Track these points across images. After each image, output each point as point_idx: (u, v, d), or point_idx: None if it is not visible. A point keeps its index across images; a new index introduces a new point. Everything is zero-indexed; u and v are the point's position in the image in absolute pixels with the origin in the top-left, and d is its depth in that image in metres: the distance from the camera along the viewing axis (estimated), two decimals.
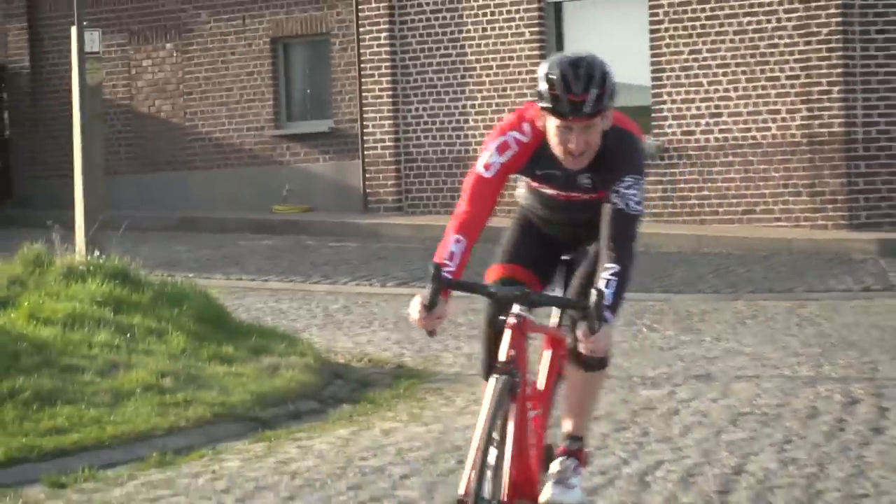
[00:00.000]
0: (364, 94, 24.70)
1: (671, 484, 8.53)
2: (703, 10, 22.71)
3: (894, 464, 9.23)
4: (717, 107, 22.54)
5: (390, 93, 24.50)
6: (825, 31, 20.98)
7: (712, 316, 15.71)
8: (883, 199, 20.85)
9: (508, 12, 23.65)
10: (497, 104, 23.93)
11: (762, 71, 22.09)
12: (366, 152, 24.62)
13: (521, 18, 23.52)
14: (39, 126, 26.82)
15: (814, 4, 21.04)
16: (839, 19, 20.94)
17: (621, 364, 12.60)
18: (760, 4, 22.28)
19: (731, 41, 22.37)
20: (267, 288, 18.08)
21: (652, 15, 22.73)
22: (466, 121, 24.49)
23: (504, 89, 24.11)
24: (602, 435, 9.55)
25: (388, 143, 24.63)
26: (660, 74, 22.94)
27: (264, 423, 10.18)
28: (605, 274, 4.68)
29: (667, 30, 22.90)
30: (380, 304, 16.59)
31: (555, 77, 4.48)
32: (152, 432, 9.78)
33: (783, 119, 21.81)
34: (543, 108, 4.56)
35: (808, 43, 21.33)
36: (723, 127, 22.20)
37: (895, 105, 21.25)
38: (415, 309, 4.45)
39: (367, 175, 24.71)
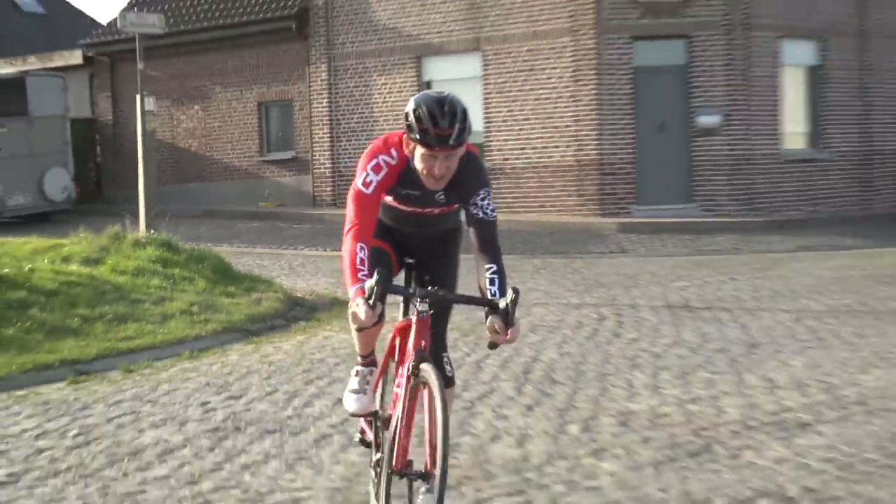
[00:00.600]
0: (313, 135, 32.42)
1: (495, 368, 11.01)
2: (513, 86, 28.28)
3: (621, 355, 11.74)
4: (523, 142, 28.45)
5: (329, 135, 31.98)
6: (587, 98, 26.81)
7: (520, 267, 18.70)
8: (620, 199, 26.91)
9: (399, 90, 30.06)
10: None
11: (550, 121, 27.62)
12: (314, 170, 32.59)
13: (406, 91, 29.08)
14: (118, 156, 33.63)
15: (581, 82, 26.85)
16: (595, 91, 26.62)
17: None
18: (549, 79, 27.64)
19: (531, 104, 27.92)
20: (255, 252, 22.57)
21: (485, 88, 28.81)
22: None
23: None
24: (454, 339, 11.37)
25: (327, 165, 32.22)
26: (489, 123, 28.77)
27: (253, 332, 13.11)
28: (488, 274, 5.43)
29: (493, 96, 28.86)
30: (323, 262, 20.59)
31: (423, 113, 5.21)
32: (185, 339, 12.51)
33: (563, 149, 27.63)
34: (413, 139, 5.32)
35: (577, 104, 26.94)
36: (527, 155, 28.27)
37: (624, 141, 26.70)
38: (361, 311, 5.05)
39: (315, 184, 32.47)
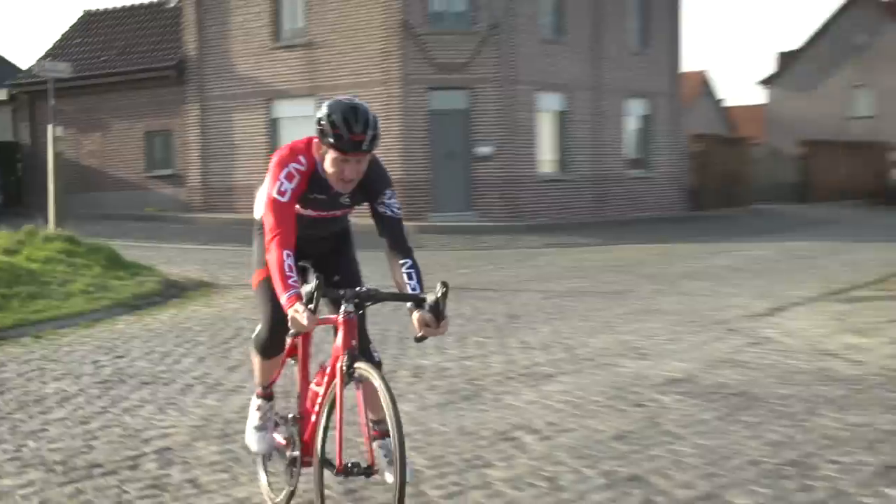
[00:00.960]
0: (187, 157, 32.50)
1: (316, 338, 9.73)
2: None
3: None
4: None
5: (199, 157, 32.11)
6: (395, 132, 27.24)
7: None
8: (419, 208, 26.90)
9: (253, 125, 30.81)
10: (250, 165, 30.23)
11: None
12: (188, 184, 32.59)
13: (259, 125, 30.48)
14: (35, 171, 31.16)
15: (391, 120, 26.89)
16: (401, 127, 27.57)
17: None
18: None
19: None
20: (141, 246, 21.55)
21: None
22: (236, 171, 31.03)
23: (251, 158, 30.20)
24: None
25: (198, 179, 32.30)
26: None
27: (137, 307, 12.67)
28: (404, 269, 4.56)
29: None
30: (194, 253, 20.78)
31: (337, 119, 4.31)
32: (83, 312, 12.01)
33: None
34: (326, 143, 4.37)
35: (387, 136, 22.73)
36: None
37: (422, 164, 27.60)
38: (303, 316, 4.13)
39: (188, 194, 32.42)
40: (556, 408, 7.40)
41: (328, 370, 4.69)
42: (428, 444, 6.42)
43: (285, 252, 4.41)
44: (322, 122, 4.41)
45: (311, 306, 4.24)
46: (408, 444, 5.87)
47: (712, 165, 36.01)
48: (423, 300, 4.37)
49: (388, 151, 27.66)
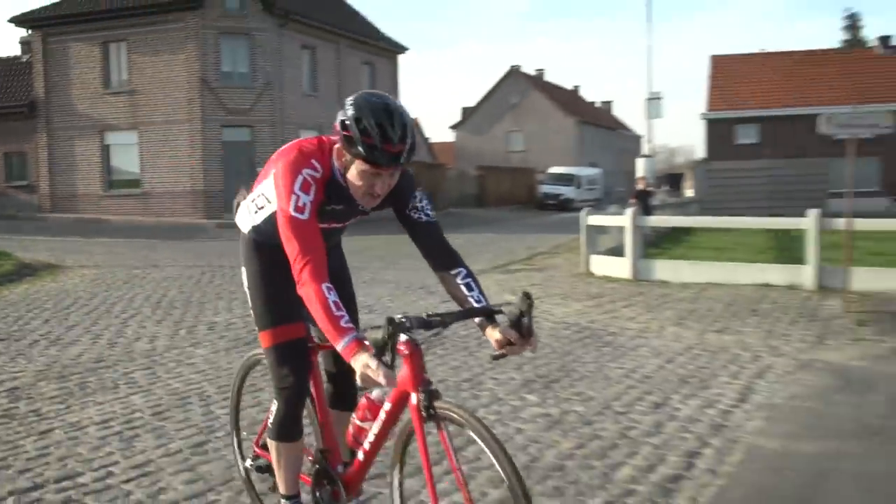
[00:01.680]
0: (39, 173, 29.83)
1: (140, 299, 10.85)
2: (158, 149, 27.39)
3: (213, 293, 11.28)
4: (164, 177, 27.33)
5: (48, 172, 29.61)
6: (198, 156, 26.63)
7: (160, 246, 18.28)
8: (216, 209, 25.97)
9: (91, 150, 28.42)
10: (88, 178, 28.62)
11: (179, 168, 26.91)
12: (39, 192, 29.83)
13: (95, 150, 28.27)
14: None
15: (195, 149, 26.60)
16: (202, 153, 26.59)
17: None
18: (178, 147, 26.96)
19: (167, 157, 27.18)
20: (2, 237, 18.16)
21: (140, 150, 27.81)
22: (77, 182, 28.86)
23: (88, 173, 28.64)
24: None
25: (47, 190, 29.57)
26: (144, 166, 27.78)
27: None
28: (460, 280, 2.76)
29: (145, 155, 27.60)
30: (44, 243, 18.33)
31: (370, 125, 2.52)
32: None
33: (185, 183, 26.96)
34: (355, 154, 2.56)
35: (192, 160, 26.76)
36: (166, 184, 27.26)
37: (218, 180, 26.67)
38: (378, 373, 2.32)
39: (40, 200, 29.69)
40: None
41: (385, 405, 2.75)
42: (217, 377, 6.17)
43: (325, 286, 2.52)
44: (349, 127, 2.55)
45: (387, 358, 2.40)
46: (201, 378, 6.08)
47: (420, 183, 36.54)
48: (499, 313, 2.67)
49: (193, 170, 27.29)
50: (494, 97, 58.43)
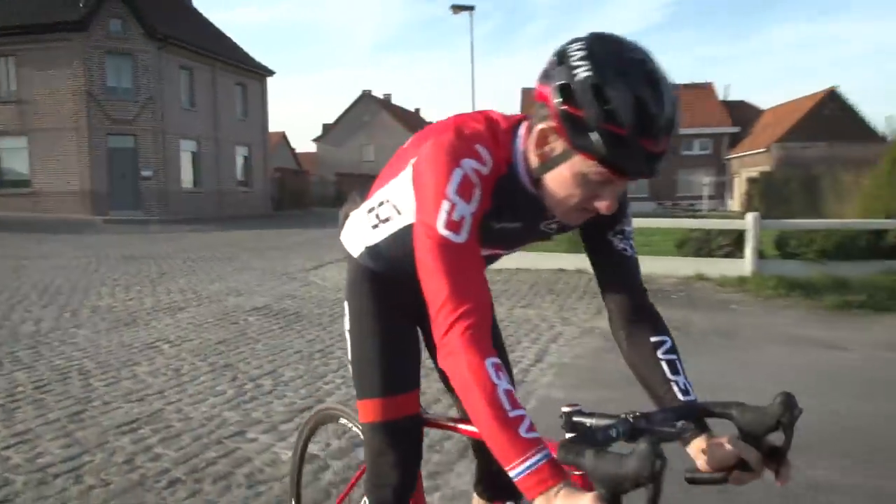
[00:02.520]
0: None
1: (27, 287, 13.11)
2: (50, 153, 24.93)
3: (99, 280, 11.01)
4: (55, 178, 25.02)
5: None
6: (86, 161, 24.54)
7: (47, 239, 17.08)
8: (105, 207, 24.45)
9: (67, 151, 27.91)
10: None
11: (70, 169, 24.72)
12: None
13: None
14: None
15: (82, 154, 24.69)
16: (89, 159, 24.83)
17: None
18: (66, 151, 24.71)
19: (55, 162, 24.79)
20: None
21: (30, 154, 25.39)
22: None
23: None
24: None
25: None
26: (34, 169, 25.27)
27: None
28: (663, 353, 1.32)
29: (35, 159, 24.96)
30: None
31: (624, 105, 1.02)
32: None
33: (73, 184, 24.86)
34: (584, 150, 1.09)
35: (81, 165, 24.74)
36: (55, 185, 24.96)
37: (103, 180, 24.86)
38: None
39: None
40: (183, 327, 6.89)
41: None
42: (96, 353, 5.78)
43: (490, 362, 1.09)
44: (579, 98, 1.06)
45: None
46: (82, 355, 5.62)
47: (287, 186, 36.41)
48: (726, 417, 1.17)
49: (81, 173, 25.35)
50: (350, 115, 57.85)
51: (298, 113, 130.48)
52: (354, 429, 1.95)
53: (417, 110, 69.24)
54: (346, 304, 1.68)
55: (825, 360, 5.93)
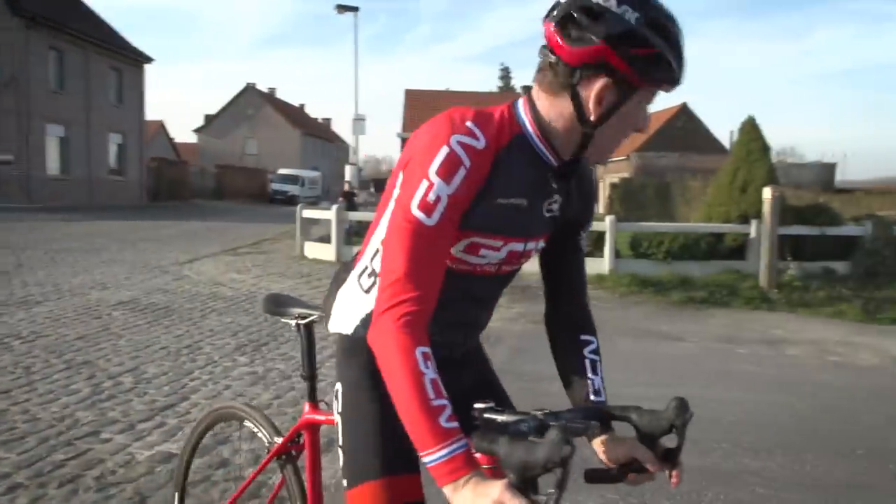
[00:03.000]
0: None
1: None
2: None
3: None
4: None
5: None
6: None
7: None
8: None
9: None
10: None
11: None
12: None
13: None
14: None
15: None
16: None
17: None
18: None
19: None
20: None
21: None
22: None
23: None
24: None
25: None
26: None
27: None
28: (588, 352, 1.38)
29: None
30: None
31: (673, 32, 1.13)
32: None
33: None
34: (656, 82, 1.14)
35: None
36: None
37: None
38: None
39: None
40: (39, 322, 6.35)
41: None
42: None
43: (420, 351, 1.07)
44: (642, 36, 1.11)
45: (548, 499, 0.94)
46: None
47: (164, 176, 34.66)
48: (624, 419, 1.21)
49: None
50: (233, 108, 55.74)
51: (179, 102, 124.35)
52: (259, 433, 1.86)
53: (302, 106, 67.81)
54: (338, 385, 1.41)
55: (666, 350, 6.37)
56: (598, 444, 1.27)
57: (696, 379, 5.35)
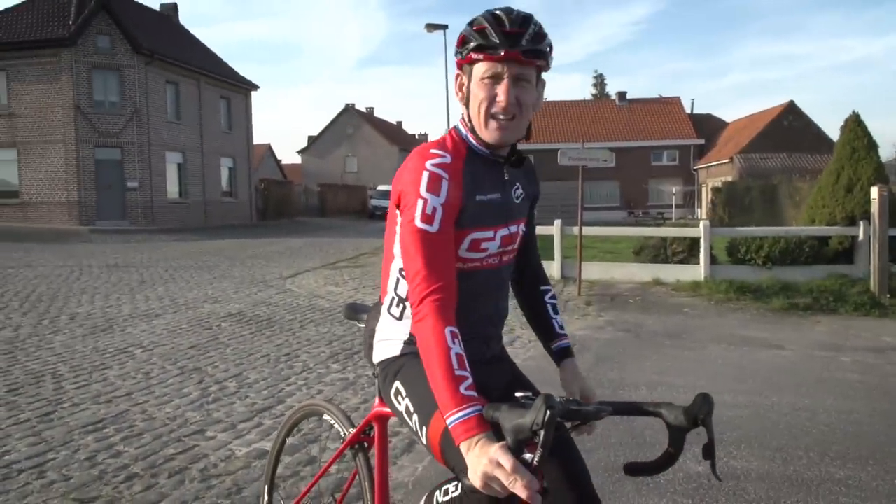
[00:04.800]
0: None
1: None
2: (39, 163, 24.53)
3: (79, 288, 11.27)
4: (43, 188, 24.54)
5: None
6: (73, 171, 24.41)
7: (36, 249, 18.23)
8: (88, 218, 24.30)
9: (55, 163, 27.71)
10: None
11: (54, 181, 24.29)
12: None
13: None
14: None
15: (69, 165, 24.18)
16: (75, 169, 24.40)
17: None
18: (53, 162, 24.22)
19: (43, 174, 24.33)
20: None
21: (20, 162, 24.74)
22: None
23: None
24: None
25: None
26: (22, 179, 25.04)
27: None
28: (549, 299, 1.76)
29: (24, 168, 24.43)
30: None
31: (482, 17, 1.49)
32: None
33: (60, 194, 24.60)
34: (467, 53, 1.48)
35: (68, 175, 24.50)
36: (41, 194, 24.63)
37: (90, 192, 24.37)
38: (515, 480, 1.09)
39: None
40: (157, 332, 6.94)
41: None
42: (70, 358, 5.81)
43: (449, 330, 1.33)
44: (462, 33, 1.52)
45: (532, 458, 1.11)
46: (57, 360, 5.65)
47: (272, 196, 36.27)
48: (655, 415, 1.30)
49: (68, 183, 25.07)
50: (334, 128, 57.83)
51: (285, 125, 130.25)
52: (336, 426, 2.04)
53: (400, 123, 69.39)
54: (395, 383, 1.58)
55: (762, 358, 6.14)
56: (561, 376, 1.63)
57: (790, 387, 5.16)
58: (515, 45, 1.44)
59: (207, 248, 18.47)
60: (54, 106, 24.96)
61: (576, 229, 10.32)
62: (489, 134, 1.51)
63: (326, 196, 43.73)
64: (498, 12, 1.48)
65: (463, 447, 1.21)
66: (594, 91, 62.73)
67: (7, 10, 26.60)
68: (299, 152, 58.82)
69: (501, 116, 1.48)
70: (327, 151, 56.73)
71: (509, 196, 1.60)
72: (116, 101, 25.90)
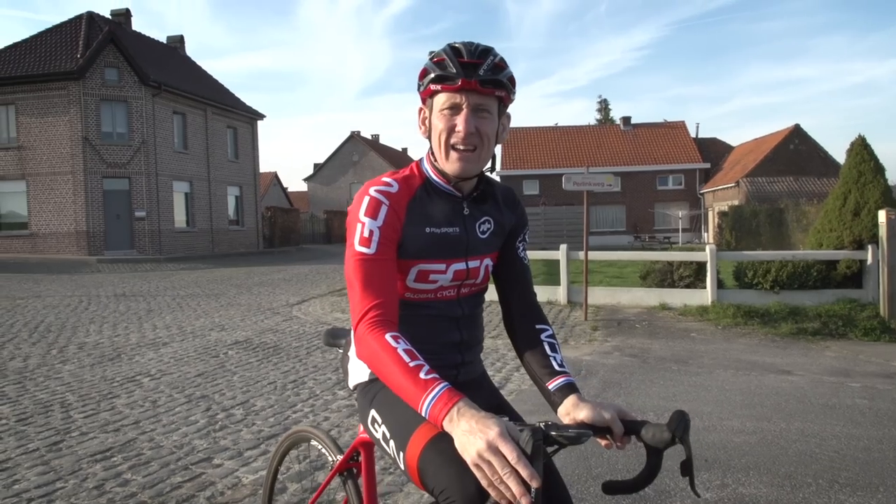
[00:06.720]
0: None
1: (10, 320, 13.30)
2: (48, 195, 24.67)
3: (95, 315, 11.40)
4: (52, 218, 24.69)
5: None
6: (81, 203, 24.22)
7: (49, 281, 18.42)
8: (97, 247, 24.31)
9: (64, 194, 28.38)
10: None
11: (63, 212, 24.53)
12: None
13: None
14: None
15: (76, 195, 24.30)
16: (83, 200, 24.31)
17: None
18: (63, 194, 24.43)
19: (52, 204, 24.53)
20: None
21: (29, 195, 24.92)
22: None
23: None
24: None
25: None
26: (31, 211, 25.01)
27: None
28: (545, 337, 1.58)
29: (33, 201, 24.60)
30: None
31: (442, 50, 1.49)
32: None
33: (68, 224, 24.70)
34: (427, 85, 1.48)
35: (76, 206, 24.47)
36: (52, 225, 24.77)
37: (99, 222, 24.54)
38: (508, 450, 1.07)
39: None
40: (165, 361, 6.99)
41: None
42: (79, 387, 5.85)
43: (389, 335, 1.33)
44: (426, 67, 1.51)
45: (525, 443, 1.10)
46: (65, 389, 5.70)
47: (278, 224, 36.59)
48: (629, 433, 1.31)
49: (76, 214, 25.21)
50: (339, 155, 58.30)
51: (292, 153, 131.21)
52: (324, 451, 2.02)
53: (405, 150, 69.87)
54: (370, 411, 1.58)
55: (770, 384, 6.11)
56: (561, 412, 1.41)
57: (798, 413, 5.13)
58: (472, 75, 1.45)
59: (214, 276, 18.49)
60: (63, 138, 25.29)
61: (582, 254, 10.38)
62: (450, 165, 1.50)
63: (332, 223, 43.99)
64: (457, 45, 1.49)
65: (447, 426, 1.17)
66: (599, 116, 63.04)
67: (16, 45, 27.11)
68: (305, 180, 59.22)
69: (461, 147, 1.48)
70: (333, 179, 57.12)
71: (471, 231, 1.57)
72: (124, 132, 26.24)
